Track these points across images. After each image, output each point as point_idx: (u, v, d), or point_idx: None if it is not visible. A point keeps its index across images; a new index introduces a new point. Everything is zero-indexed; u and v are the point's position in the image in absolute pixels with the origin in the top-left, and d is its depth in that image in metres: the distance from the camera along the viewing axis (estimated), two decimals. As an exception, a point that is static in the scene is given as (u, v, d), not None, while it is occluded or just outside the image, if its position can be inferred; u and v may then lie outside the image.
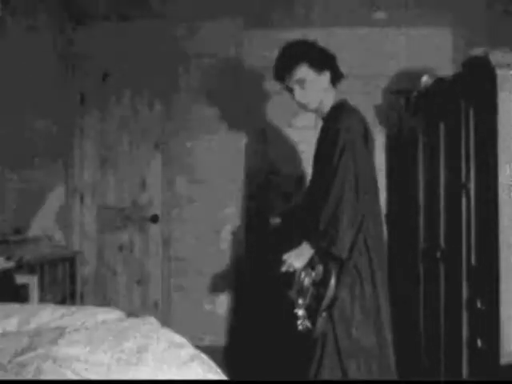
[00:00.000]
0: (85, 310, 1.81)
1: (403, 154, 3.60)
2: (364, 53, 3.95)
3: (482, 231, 2.28)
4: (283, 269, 2.13)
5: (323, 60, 2.28)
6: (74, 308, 1.84)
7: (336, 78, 2.32)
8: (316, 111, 2.36)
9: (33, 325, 1.70)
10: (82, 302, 3.94)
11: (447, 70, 3.45)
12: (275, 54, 2.35)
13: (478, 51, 2.26)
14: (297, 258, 2.11)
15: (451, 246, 2.66)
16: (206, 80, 3.98)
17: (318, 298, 2.05)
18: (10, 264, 2.81)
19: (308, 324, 2.06)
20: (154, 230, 4.00)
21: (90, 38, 4.03)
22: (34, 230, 3.45)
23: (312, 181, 2.42)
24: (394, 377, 2.13)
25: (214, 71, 3.97)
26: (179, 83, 4.00)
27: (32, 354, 1.39)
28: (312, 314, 2.06)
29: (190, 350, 1.53)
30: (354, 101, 2.38)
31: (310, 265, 2.10)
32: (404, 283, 3.34)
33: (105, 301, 3.95)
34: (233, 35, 3.96)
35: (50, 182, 3.72)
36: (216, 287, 3.88)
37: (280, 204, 3.82)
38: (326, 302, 2.02)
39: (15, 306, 1.87)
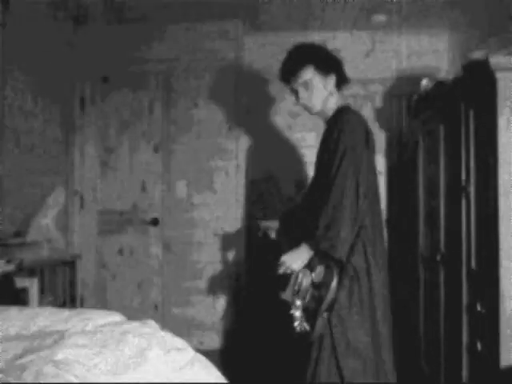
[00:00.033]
0: (85, 314, 1.80)
1: (403, 158, 3.61)
2: (364, 56, 3.97)
3: (481, 235, 2.28)
4: (280, 271, 2.13)
5: (329, 63, 2.27)
6: (73, 311, 1.84)
7: (341, 82, 2.31)
8: (320, 114, 2.34)
9: (33, 328, 1.69)
10: (82, 305, 3.94)
11: (447, 73, 3.46)
12: (275, 55, 2.35)
13: (477, 54, 2.26)
14: (295, 260, 2.10)
15: (451, 250, 2.66)
16: (206, 83, 3.99)
17: (317, 299, 2.04)
18: (10, 267, 2.81)
19: (306, 326, 2.05)
20: (154, 233, 4.01)
21: (90, 41, 4.04)
22: (34, 234, 3.45)
23: (313, 183, 2.42)
24: (392, 380, 2.12)
25: (214, 74, 3.98)
26: (179, 86, 4.01)
27: (32, 357, 1.38)
28: (310, 315, 2.05)
29: (190, 353, 1.53)
30: (354, 104, 2.38)
31: (309, 266, 2.10)
32: (404, 287, 3.34)
33: (105, 304, 3.95)
34: (233, 38, 3.97)
35: (51, 185, 3.71)
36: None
37: (281, 208, 3.82)
38: (326, 303, 2.01)
39: (15, 310, 1.86)
